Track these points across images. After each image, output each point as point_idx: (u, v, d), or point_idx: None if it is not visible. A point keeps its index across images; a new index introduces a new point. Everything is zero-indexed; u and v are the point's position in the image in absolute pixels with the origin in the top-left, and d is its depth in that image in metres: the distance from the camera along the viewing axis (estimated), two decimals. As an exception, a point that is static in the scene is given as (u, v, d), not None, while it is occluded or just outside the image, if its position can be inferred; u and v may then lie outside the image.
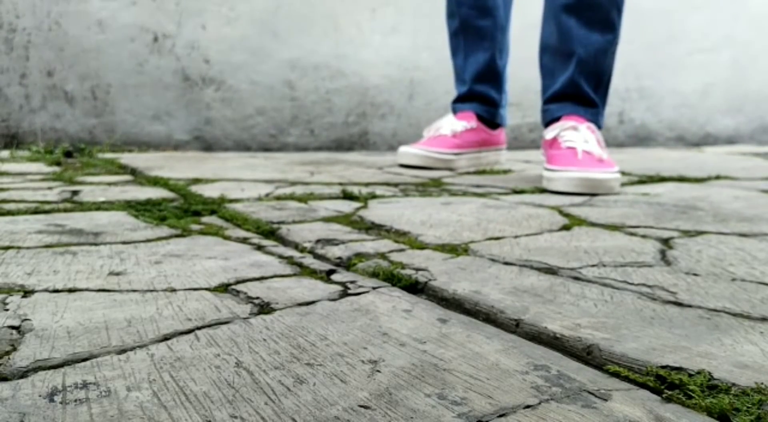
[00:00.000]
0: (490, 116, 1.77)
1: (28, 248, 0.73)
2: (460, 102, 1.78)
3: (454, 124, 1.73)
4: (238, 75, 2.24)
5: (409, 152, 1.71)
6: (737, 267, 0.69)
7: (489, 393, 0.38)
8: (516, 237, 0.84)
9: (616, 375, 0.42)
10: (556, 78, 1.41)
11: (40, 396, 0.37)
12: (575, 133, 1.34)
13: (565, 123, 1.37)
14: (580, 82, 1.39)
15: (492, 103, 1.76)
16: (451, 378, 0.40)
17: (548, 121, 1.43)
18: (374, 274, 0.65)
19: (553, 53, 1.43)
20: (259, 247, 0.77)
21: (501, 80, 1.76)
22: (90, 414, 0.35)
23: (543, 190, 1.31)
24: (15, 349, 0.43)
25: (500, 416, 0.36)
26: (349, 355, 0.44)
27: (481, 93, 1.75)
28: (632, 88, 2.86)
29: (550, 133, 1.39)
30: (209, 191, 1.19)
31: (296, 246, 0.79)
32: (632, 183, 1.45)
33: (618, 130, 2.85)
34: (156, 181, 1.32)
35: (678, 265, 0.70)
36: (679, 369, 0.42)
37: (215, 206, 1.02)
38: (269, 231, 0.87)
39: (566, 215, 1.01)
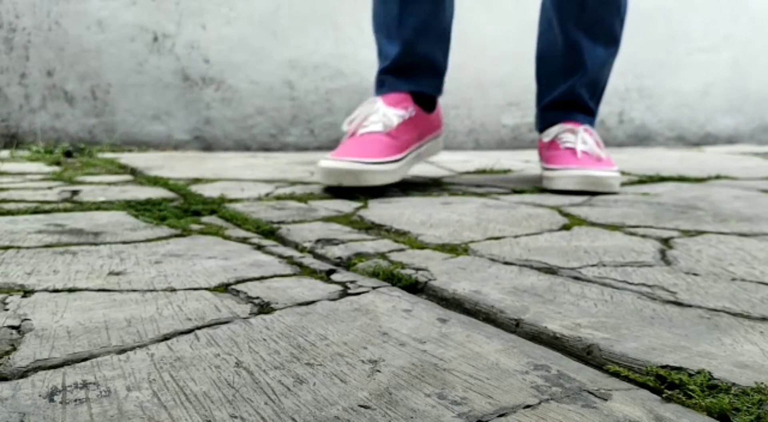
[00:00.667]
0: (433, 89, 1.34)
1: (27, 248, 0.73)
2: (391, 73, 1.30)
3: (388, 115, 1.24)
4: (237, 75, 2.24)
5: (329, 167, 1.15)
6: (737, 267, 0.69)
7: (489, 392, 0.38)
8: (516, 237, 0.84)
9: (616, 374, 0.42)
10: (557, 86, 1.40)
11: (40, 396, 0.37)
12: (573, 135, 1.35)
13: (562, 126, 1.37)
14: (581, 92, 1.39)
15: (437, 71, 1.34)
16: (451, 377, 0.40)
17: (545, 125, 1.43)
18: (374, 274, 0.65)
19: (555, 63, 1.41)
20: (259, 247, 0.77)
21: (447, 40, 1.34)
22: (90, 413, 0.35)
23: (543, 190, 1.31)
24: (15, 349, 0.43)
25: (500, 416, 0.36)
26: (349, 355, 0.44)
27: (423, 56, 1.30)
28: (632, 88, 2.86)
29: (547, 136, 1.39)
30: (209, 191, 1.19)
31: (296, 246, 0.79)
32: (632, 183, 1.45)
33: (618, 129, 2.85)
34: (156, 181, 1.32)
35: (678, 265, 0.70)
36: (679, 368, 0.42)
37: (215, 206, 1.02)
38: (269, 231, 0.87)
39: (566, 215, 1.01)
